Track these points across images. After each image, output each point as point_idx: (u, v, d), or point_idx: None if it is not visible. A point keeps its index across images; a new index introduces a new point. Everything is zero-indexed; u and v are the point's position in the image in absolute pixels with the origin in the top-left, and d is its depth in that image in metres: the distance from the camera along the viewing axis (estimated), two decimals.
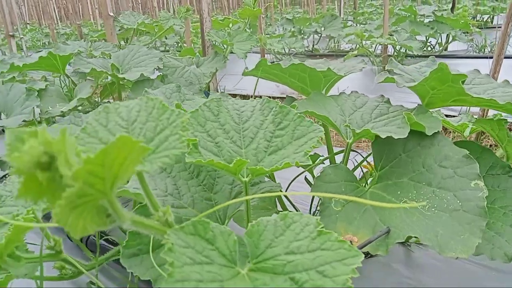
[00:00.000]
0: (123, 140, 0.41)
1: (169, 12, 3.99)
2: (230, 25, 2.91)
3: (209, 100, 0.99)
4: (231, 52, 2.72)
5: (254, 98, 1.04)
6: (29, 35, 11.45)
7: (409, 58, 4.47)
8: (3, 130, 3.39)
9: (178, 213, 0.90)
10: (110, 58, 2.33)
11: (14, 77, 3.52)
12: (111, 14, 3.93)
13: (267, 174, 1.08)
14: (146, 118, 0.63)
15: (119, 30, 3.89)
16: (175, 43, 6.36)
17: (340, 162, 1.05)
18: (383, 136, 0.90)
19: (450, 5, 5.15)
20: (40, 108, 1.84)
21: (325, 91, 1.32)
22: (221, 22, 2.93)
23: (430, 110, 1.14)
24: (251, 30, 5.17)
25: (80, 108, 2.12)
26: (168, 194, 0.94)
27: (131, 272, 1.20)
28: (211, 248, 0.57)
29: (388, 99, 1.18)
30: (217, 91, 3.33)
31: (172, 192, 0.95)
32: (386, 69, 1.23)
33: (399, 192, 0.93)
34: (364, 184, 1.02)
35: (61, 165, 0.40)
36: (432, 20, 4.38)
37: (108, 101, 2.47)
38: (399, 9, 5.26)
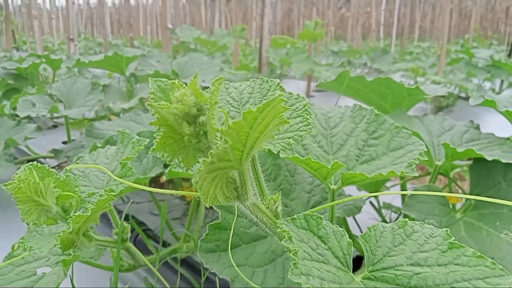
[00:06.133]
0: (278, 101, 0.36)
1: (225, 30, 4.07)
2: (288, 45, 2.91)
3: None
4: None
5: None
6: (83, 43, 12.00)
7: (460, 100, 4.30)
8: (54, 126, 3.47)
9: None
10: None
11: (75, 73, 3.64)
12: (170, 26, 4.06)
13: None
14: (260, 100, 0.58)
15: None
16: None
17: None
18: (489, 159, 0.82)
19: (507, 51, 5.00)
20: (102, 103, 1.86)
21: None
22: (280, 41, 2.95)
23: None
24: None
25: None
26: None
27: (180, 274, 1.15)
28: (325, 247, 0.51)
29: (478, 125, 1.10)
30: None
31: None
32: (473, 94, 1.16)
33: (497, 223, 0.84)
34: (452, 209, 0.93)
35: (212, 118, 0.35)
36: (489, 64, 4.25)
37: None
38: (456, 50, 5.15)
